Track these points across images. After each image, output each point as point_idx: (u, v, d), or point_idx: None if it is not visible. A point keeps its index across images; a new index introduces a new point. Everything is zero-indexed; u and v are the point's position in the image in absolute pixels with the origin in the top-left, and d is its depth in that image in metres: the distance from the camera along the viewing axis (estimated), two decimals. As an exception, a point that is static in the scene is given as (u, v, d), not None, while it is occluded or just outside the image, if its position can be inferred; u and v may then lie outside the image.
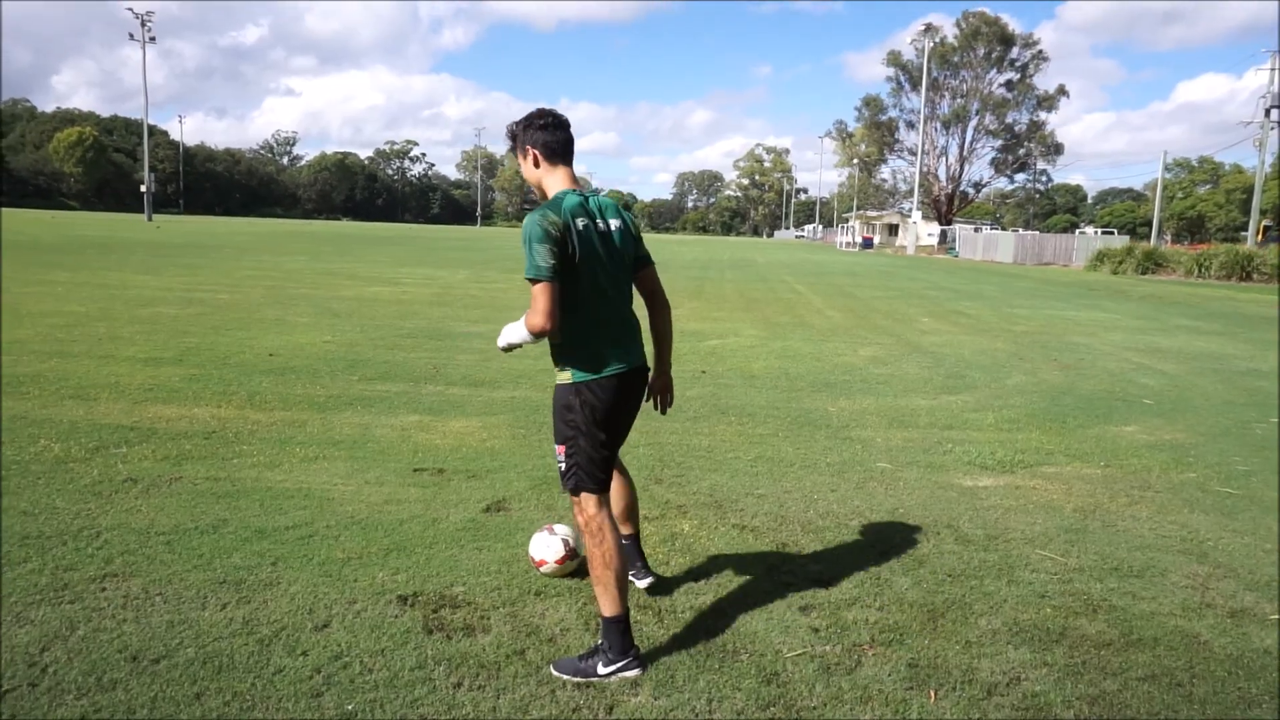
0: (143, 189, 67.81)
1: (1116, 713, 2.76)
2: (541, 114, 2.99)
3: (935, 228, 71.66)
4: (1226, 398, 8.29)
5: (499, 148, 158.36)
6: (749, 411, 6.82)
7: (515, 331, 2.92)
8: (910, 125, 78.64)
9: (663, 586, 3.52)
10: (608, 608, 2.86)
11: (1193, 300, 22.07)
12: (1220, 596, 3.66)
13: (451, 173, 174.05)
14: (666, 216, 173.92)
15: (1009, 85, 77.29)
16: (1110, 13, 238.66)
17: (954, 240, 60.51)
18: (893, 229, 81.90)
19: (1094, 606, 3.52)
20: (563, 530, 3.55)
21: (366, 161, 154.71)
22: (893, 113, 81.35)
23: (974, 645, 3.15)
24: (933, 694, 2.82)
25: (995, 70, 77.22)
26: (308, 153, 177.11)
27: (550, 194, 2.95)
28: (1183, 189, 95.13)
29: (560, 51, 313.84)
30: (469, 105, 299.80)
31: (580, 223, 2.84)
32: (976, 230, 62.54)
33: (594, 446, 2.93)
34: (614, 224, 2.99)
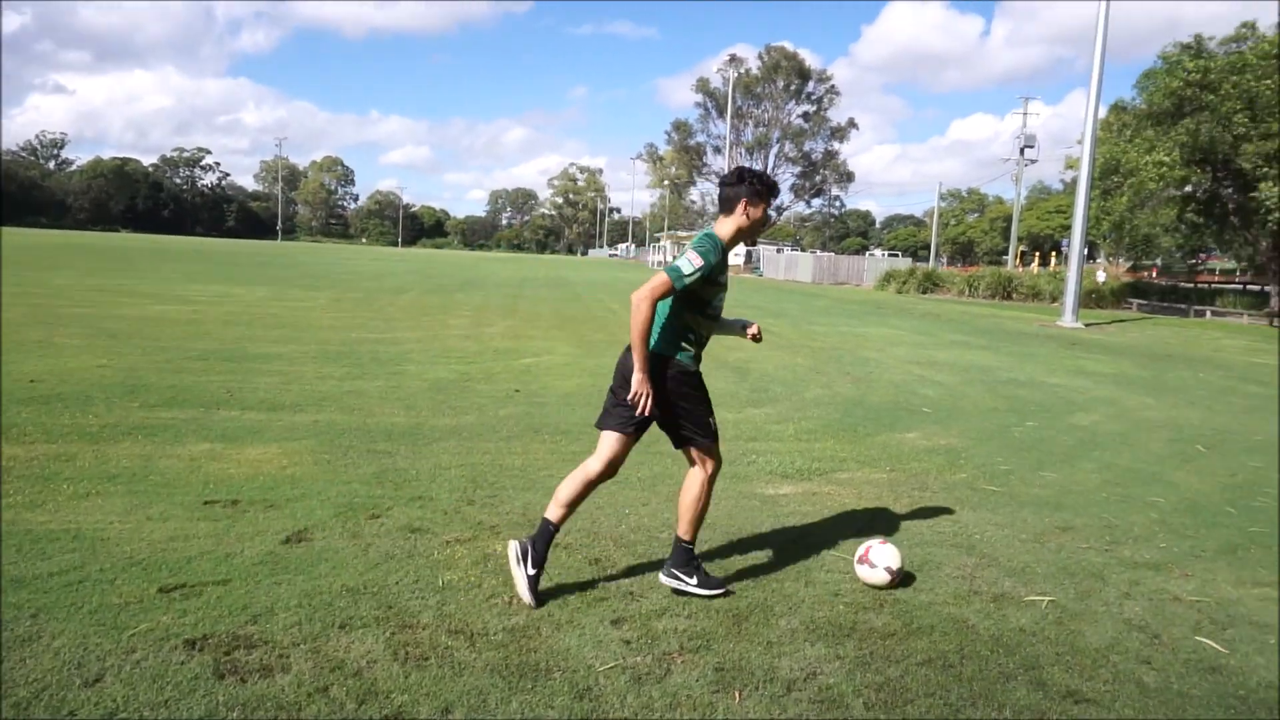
0: None
1: (899, 697, 3.00)
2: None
3: (741, 248, 75.14)
4: (991, 405, 9.23)
5: (302, 158, 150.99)
6: (563, 429, 6.86)
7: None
8: (717, 150, 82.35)
9: (475, 610, 3.47)
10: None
11: (964, 317, 24.43)
12: (985, 584, 4.07)
13: (250, 183, 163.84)
14: (480, 234, 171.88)
15: (806, 116, 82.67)
16: (896, 55, 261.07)
17: (759, 260, 63.73)
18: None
19: (880, 601, 3.81)
20: (882, 558, 3.91)
21: (151, 169, 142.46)
22: (701, 137, 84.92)
23: (775, 645, 3.32)
24: (738, 695, 2.95)
25: (794, 102, 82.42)
26: (80, 157, 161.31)
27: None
28: (955, 216, 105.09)
29: (371, 62, 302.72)
30: (270, 113, 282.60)
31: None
32: (779, 251, 66.21)
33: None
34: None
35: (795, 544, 4.49)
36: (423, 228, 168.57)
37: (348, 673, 2.94)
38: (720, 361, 11.59)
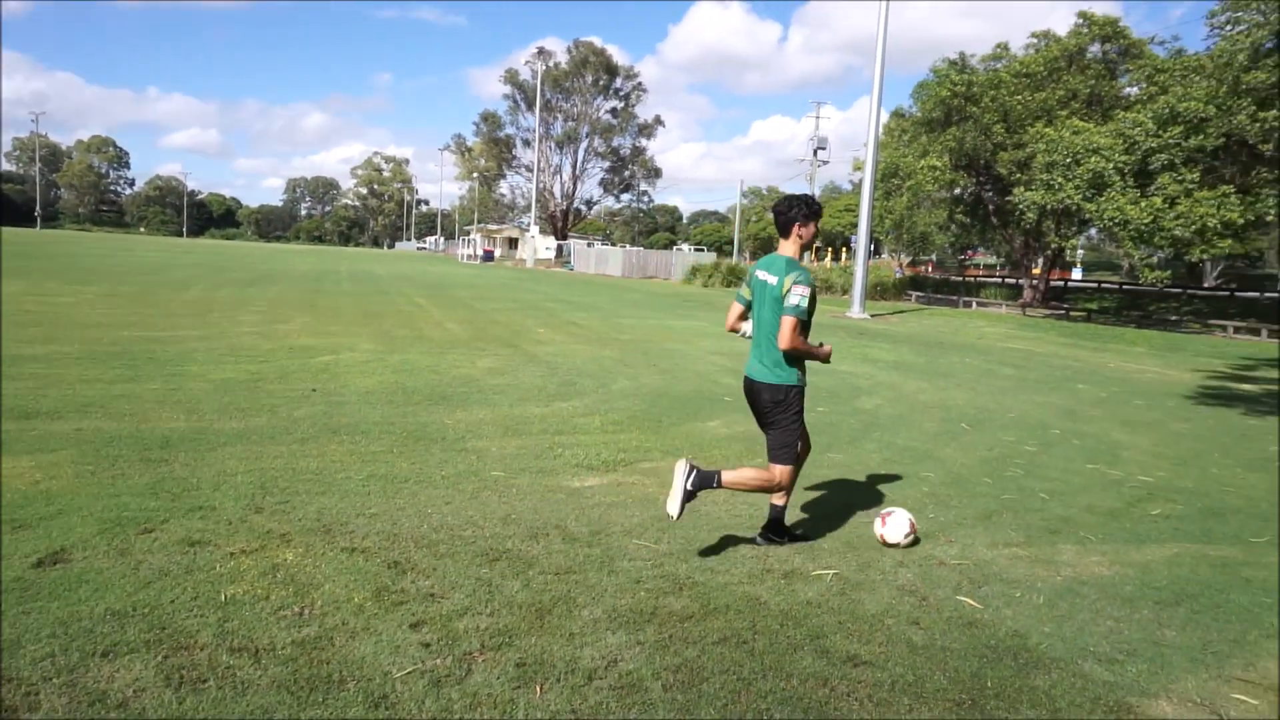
0: None
1: (695, 676, 3.11)
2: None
3: (553, 242, 75.24)
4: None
5: (64, 137, 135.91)
6: (363, 429, 6.59)
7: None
8: (527, 143, 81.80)
9: (261, 624, 3.26)
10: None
11: (764, 309, 25.66)
12: (777, 562, 4.30)
13: (1, 163, 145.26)
14: (277, 224, 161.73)
15: (614, 112, 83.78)
16: (701, 56, 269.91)
17: (569, 255, 64.04)
18: (513, 242, 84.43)
19: (680, 585, 3.93)
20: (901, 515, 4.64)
21: None
22: (510, 130, 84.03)
23: (577, 636, 3.36)
24: (539, 688, 2.96)
25: (602, 97, 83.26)
26: None
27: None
28: (756, 214, 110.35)
29: (147, 34, 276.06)
30: (24, 84, 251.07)
31: (757, 273, 4.43)
32: (590, 245, 66.81)
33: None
34: (769, 277, 4.34)
35: (599, 534, 4.55)
36: (211, 217, 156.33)
37: (110, 704, 2.68)
38: (529, 356, 11.56)
